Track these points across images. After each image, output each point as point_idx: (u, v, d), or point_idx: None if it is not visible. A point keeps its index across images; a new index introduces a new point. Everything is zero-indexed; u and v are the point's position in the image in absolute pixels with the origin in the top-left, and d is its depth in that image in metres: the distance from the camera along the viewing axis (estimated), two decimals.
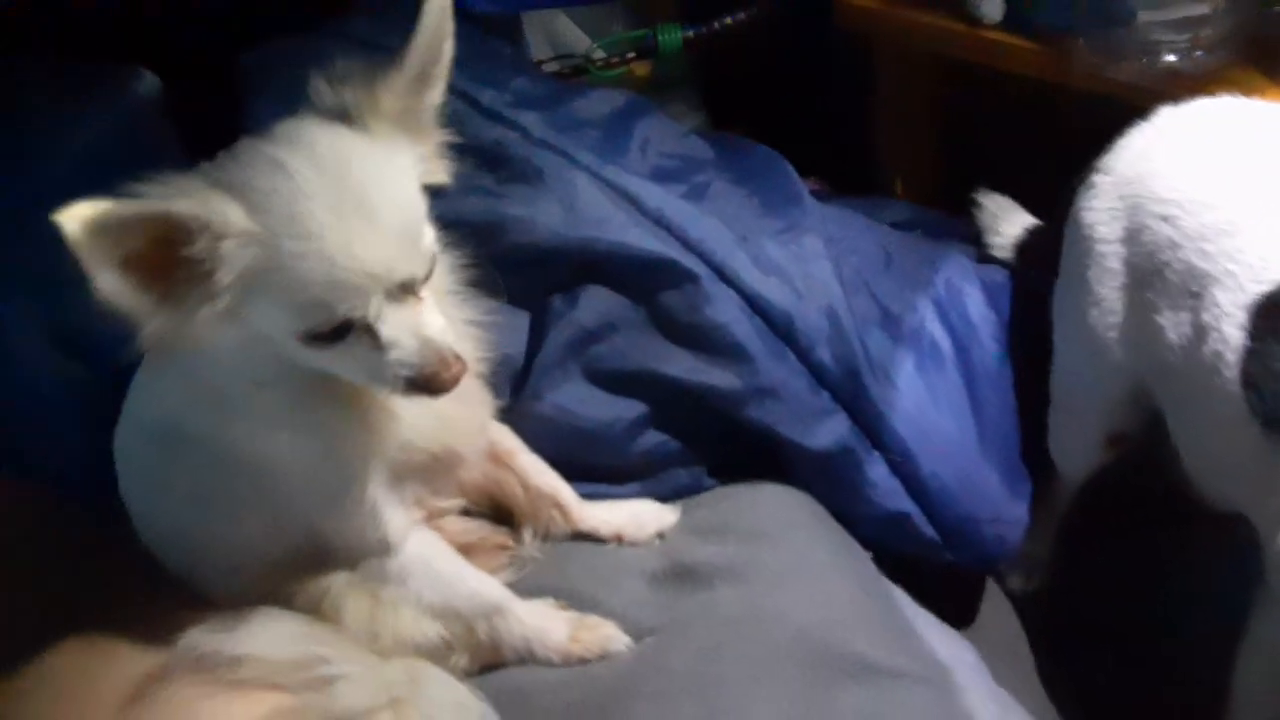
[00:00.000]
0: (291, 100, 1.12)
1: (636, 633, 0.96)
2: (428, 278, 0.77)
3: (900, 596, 1.04)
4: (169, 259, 0.69)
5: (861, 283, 1.17)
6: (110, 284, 0.67)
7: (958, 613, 1.23)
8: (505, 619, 0.94)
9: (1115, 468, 1.17)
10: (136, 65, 1.28)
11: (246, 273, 0.70)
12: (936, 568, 1.17)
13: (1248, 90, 1.21)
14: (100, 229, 0.65)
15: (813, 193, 1.27)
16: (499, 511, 1.08)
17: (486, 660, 0.95)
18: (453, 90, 0.85)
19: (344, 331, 0.73)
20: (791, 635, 0.92)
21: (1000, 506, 1.18)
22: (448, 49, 0.79)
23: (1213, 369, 0.88)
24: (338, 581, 0.90)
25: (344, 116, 0.76)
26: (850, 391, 1.11)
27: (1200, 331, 0.89)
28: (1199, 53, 1.26)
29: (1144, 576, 1.21)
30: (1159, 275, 0.95)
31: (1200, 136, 1.00)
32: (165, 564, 0.93)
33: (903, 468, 1.12)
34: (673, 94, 1.79)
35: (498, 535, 1.06)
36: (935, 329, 1.19)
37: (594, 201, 1.08)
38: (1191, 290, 0.91)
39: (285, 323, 0.73)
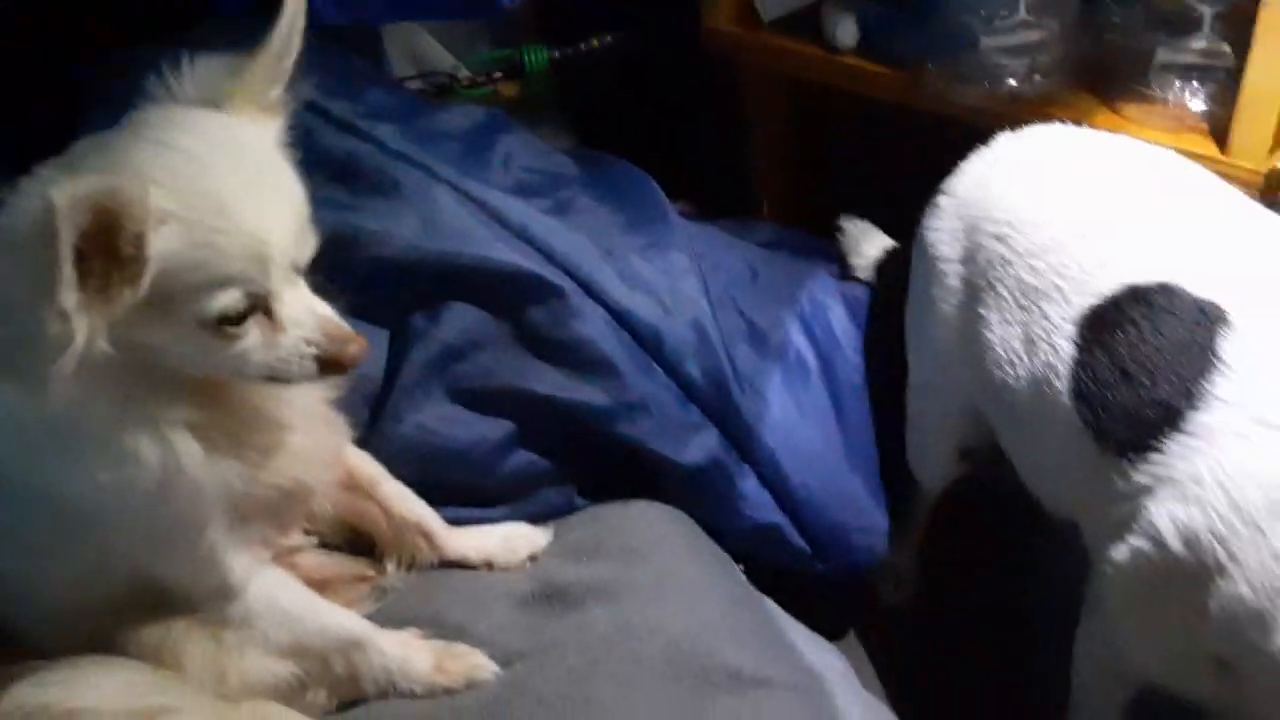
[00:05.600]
0: (130, 110, 1.07)
1: (505, 658, 0.93)
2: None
3: (771, 607, 1.04)
4: (93, 250, 0.64)
5: (728, 299, 1.18)
6: (69, 279, 0.62)
7: (833, 622, 1.25)
8: (364, 652, 0.89)
9: (980, 480, 1.21)
10: None
11: (167, 255, 0.67)
12: (811, 579, 1.18)
13: (1083, 112, 1.28)
14: (76, 207, 0.61)
15: (681, 215, 1.28)
16: (360, 542, 1.03)
17: (346, 695, 0.90)
18: (301, 102, 0.82)
19: (247, 315, 0.71)
20: (662, 650, 0.91)
21: (868, 516, 1.20)
22: (298, 41, 0.79)
23: (1044, 381, 0.90)
24: (177, 626, 0.84)
25: (211, 103, 0.75)
26: (719, 405, 1.11)
27: (1030, 345, 0.92)
28: (1038, 77, 1.34)
29: (1009, 585, 1.26)
30: (991, 291, 0.98)
31: (1033, 161, 1.05)
32: None
33: (772, 480, 1.13)
34: (541, 116, 1.77)
35: (357, 567, 1.01)
36: (800, 343, 1.21)
37: (455, 215, 1.05)
38: (1021, 304, 0.94)
39: (197, 309, 0.70)
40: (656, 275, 1.11)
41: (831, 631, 1.24)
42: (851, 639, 1.24)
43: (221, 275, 0.69)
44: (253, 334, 0.72)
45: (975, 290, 1.01)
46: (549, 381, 1.06)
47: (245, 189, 0.70)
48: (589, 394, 1.06)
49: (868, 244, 1.37)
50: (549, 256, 1.07)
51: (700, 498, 1.11)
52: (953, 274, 1.05)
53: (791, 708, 0.88)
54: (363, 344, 0.76)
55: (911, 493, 1.24)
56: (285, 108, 0.80)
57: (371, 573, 1.00)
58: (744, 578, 1.07)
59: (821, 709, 0.90)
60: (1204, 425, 0.77)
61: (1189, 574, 0.76)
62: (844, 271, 1.39)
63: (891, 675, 1.19)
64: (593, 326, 1.06)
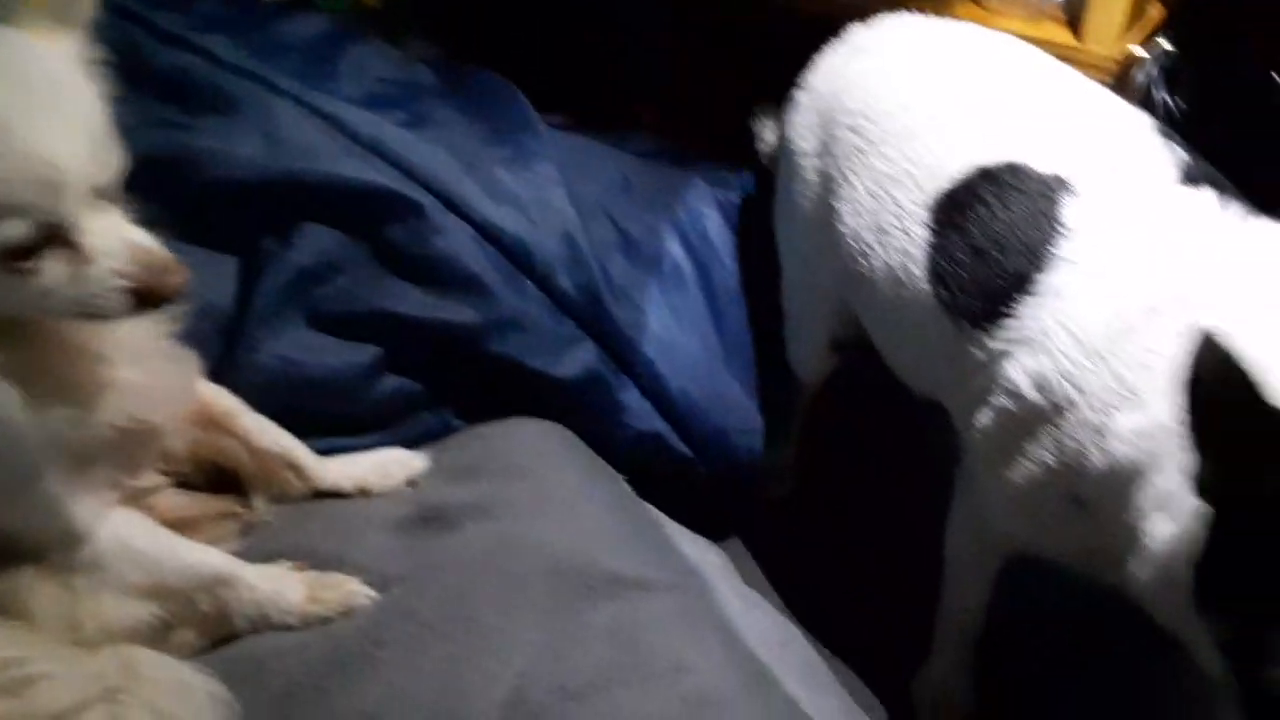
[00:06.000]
0: None
1: (383, 584, 0.92)
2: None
3: (652, 513, 1.05)
4: None
5: (600, 209, 1.16)
6: None
7: (718, 521, 1.27)
8: (232, 588, 0.87)
9: (855, 373, 1.22)
10: None
11: None
12: (696, 481, 1.20)
13: (945, 4, 1.28)
14: None
15: (556, 126, 1.25)
16: (225, 479, 0.99)
17: (216, 633, 0.88)
18: (123, 14, 0.76)
19: (43, 246, 0.66)
20: (542, 563, 0.91)
21: (748, 417, 1.21)
22: None
23: (900, 268, 0.92)
24: (24, 575, 0.79)
25: None
26: (594, 318, 1.10)
27: (882, 234, 0.94)
28: None
29: (887, 475, 1.29)
30: (844, 183, 0.98)
31: (884, 50, 1.04)
32: None
33: (652, 389, 1.14)
34: (404, 26, 1.69)
35: (222, 504, 0.97)
36: (676, 251, 1.20)
37: (299, 130, 0.99)
38: (872, 193, 0.95)
39: None
40: (522, 187, 1.08)
41: (717, 530, 1.26)
42: (738, 536, 1.26)
43: (3, 204, 0.64)
44: (52, 268, 0.67)
45: (830, 183, 1.01)
46: (414, 302, 1.03)
47: (28, 109, 0.65)
48: (457, 312, 1.03)
49: (771, 133, 1.35)
50: (406, 171, 1.02)
51: (580, 411, 1.10)
52: (810, 168, 1.05)
53: (670, 606, 0.89)
54: (184, 273, 0.71)
55: (790, 389, 1.26)
56: (88, 20, 0.73)
57: (238, 509, 0.97)
58: (626, 486, 1.07)
59: (700, 605, 0.91)
60: (1050, 285, 0.82)
61: (1044, 417, 0.81)
62: (720, 175, 1.37)
63: (777, 568, 1.23)
64: (456, 242, 1.03)
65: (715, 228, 1.25)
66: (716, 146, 1.40)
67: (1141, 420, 0.75)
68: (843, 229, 0.98)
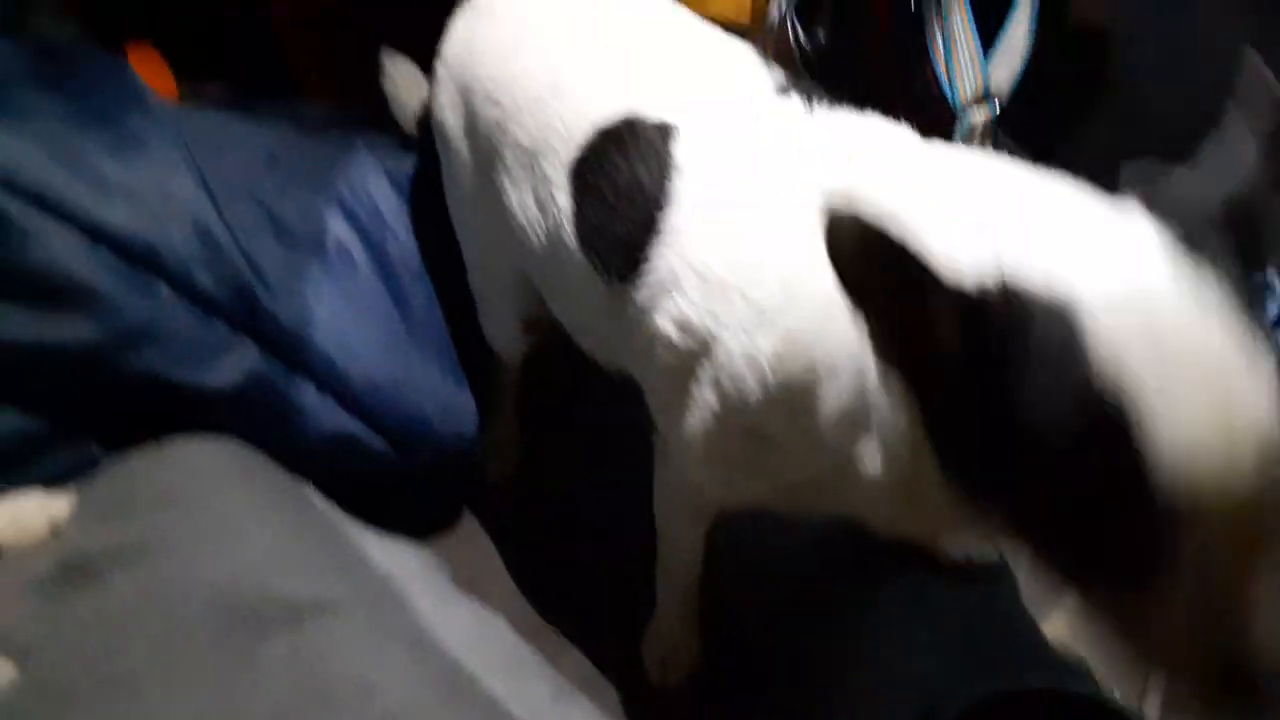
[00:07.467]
0: None
1: (21, 656, 0.79)
2: None
3: (340, 523, 0.96)
4: None
5: (242, 191, 1.04)
6: None
7: (441, 512, 1.21)
8: None
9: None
10: None
11: None
12: (404, 474, 1.12)
13: None
14: None
15: (216, 99, 1.11)
16: None
17: None
18: None
19: None
20: (202, 603, 0.81)
21: (449, 400, 1.15)
22: None
23: (558, 240, 0.89)
24: None
25: None
26: (248, 315, 0.98)
27: (542, 206, 0.90)
28: None
29: (611, 444, 1.26)
30: (500, 159, 0.94)
31: (506, 12, 0.98)
32: None
33: (333, 385, 1.04)
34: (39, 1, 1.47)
35: None
36: (341, 230, 1.10)
37: None
38: (525, 166, 0.91)
39: None
40: (136, 176, 0.94)
41: (443, 521, 1.20)
42: (461, 527, 1.20)
43: None
44: None
45: (488, 160, 0.96)
46: (13, 323, 0.88)
47: None
48: (71, 330, 0.89)
49: (409, 94, 1.24)
50: None
51: (250, 421, 0.99)
52: (463, 148, 0.99)
53: (353, 625, 0.82)
54: None
55: (497, 365, 1.21)
56: None
57: None
58: (312, 496, 0.97)
59: (387, 617, 0.84)
60: (672, 224, 0.80)
61: (697, 356, 0.79)
62: (398, 140, 1.27)
63: (506, 551, 1.18)
64: (59, 249, 0.88)
65: (386, 200, 1.16)
66: (388, 113, 1.30)
67: (774, 336, 0.73)
68: (512, 207, 0.93)
